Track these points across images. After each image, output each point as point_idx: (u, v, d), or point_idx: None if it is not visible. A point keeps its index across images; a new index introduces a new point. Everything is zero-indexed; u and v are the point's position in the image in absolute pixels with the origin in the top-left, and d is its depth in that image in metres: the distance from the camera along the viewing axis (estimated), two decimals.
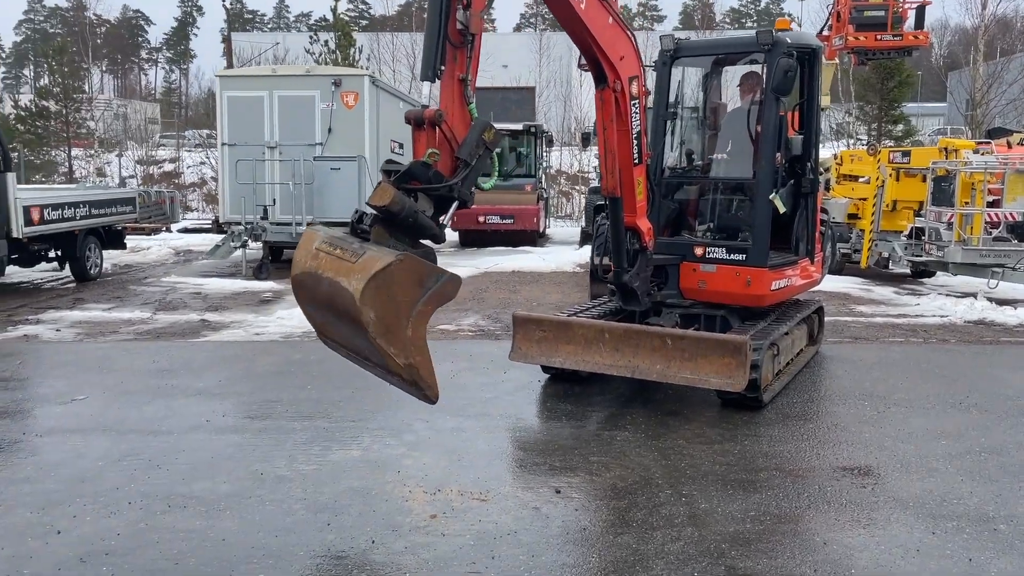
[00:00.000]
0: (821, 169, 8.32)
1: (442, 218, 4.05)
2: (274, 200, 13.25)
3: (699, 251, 6.35)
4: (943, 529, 3.98)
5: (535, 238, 18.44)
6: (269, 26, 79.46)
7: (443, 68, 4.10)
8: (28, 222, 11.10)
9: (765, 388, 5.72)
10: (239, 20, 76.69)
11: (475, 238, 18.05)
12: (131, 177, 31.35)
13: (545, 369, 6.40)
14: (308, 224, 12.29)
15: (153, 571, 3.53)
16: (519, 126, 19.34)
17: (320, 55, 28.23)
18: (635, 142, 5.66)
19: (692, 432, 5.33)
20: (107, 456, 4.89)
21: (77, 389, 6.31)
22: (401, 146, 15.50)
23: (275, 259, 13.78)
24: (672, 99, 6.84)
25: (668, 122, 6.86)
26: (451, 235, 20.15)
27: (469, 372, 6.85)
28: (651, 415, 5.68)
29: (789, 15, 51.58)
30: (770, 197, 6.11)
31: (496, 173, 4.36)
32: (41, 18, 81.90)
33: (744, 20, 75.56)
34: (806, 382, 6.68)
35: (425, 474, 4.61)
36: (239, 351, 7.74)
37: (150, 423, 5.51)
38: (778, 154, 6.19)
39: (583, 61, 5.51)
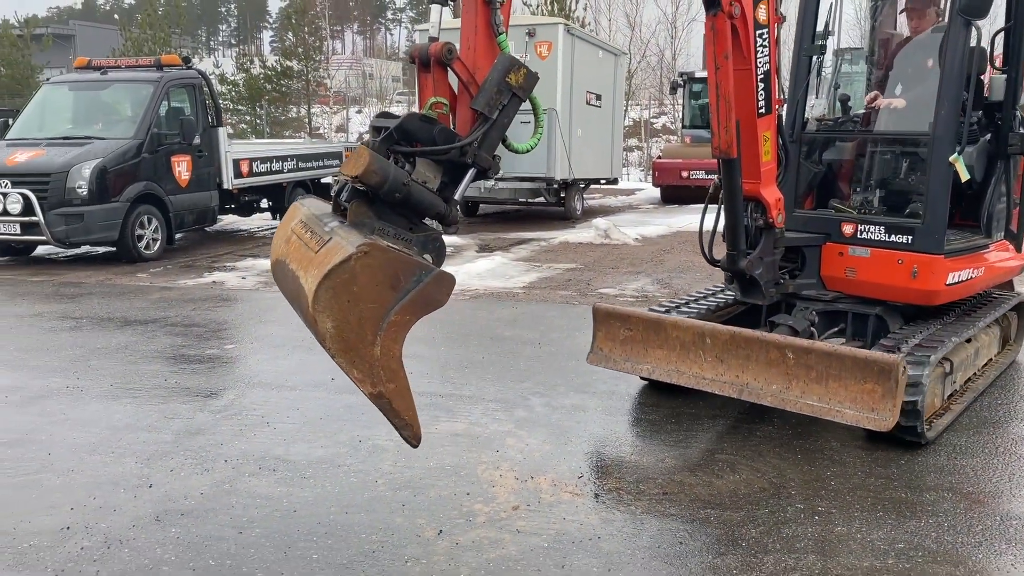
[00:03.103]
0: None
1: (457, 192, 3.01)
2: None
3: (848, 229, 4.97)
4: None
5: None
6: None
7: None
8: (238, 174, 11.85)
9: (930, 420, 4.43)
10: None
11: (678, 195, 17.14)
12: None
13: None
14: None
15: (217, 538, 3.43)
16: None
17: (537, 6, 27.99)
18: (761, 85, 4.42)
19: (850, 432, 4.47)
20: (226, 410, 4.94)
21: (229, 339, 6.52)
22: (599, 98, 14.90)
23: (467, 213, 13.81)
24: (821, 28, 5.34)
25: (815, 59, 5.40)
26: (653, 191, 19.35)
27: None
28: None
29: None
30: (950, 159, 4.61)
31: (539, 128, 3.29)
32: None
33: None
34: (1014, 377, 5.48)
35: (523, 457, 4.20)
36: None
37: (279, 376, 5.54)
38: (966, 100, 4.67)
39: None
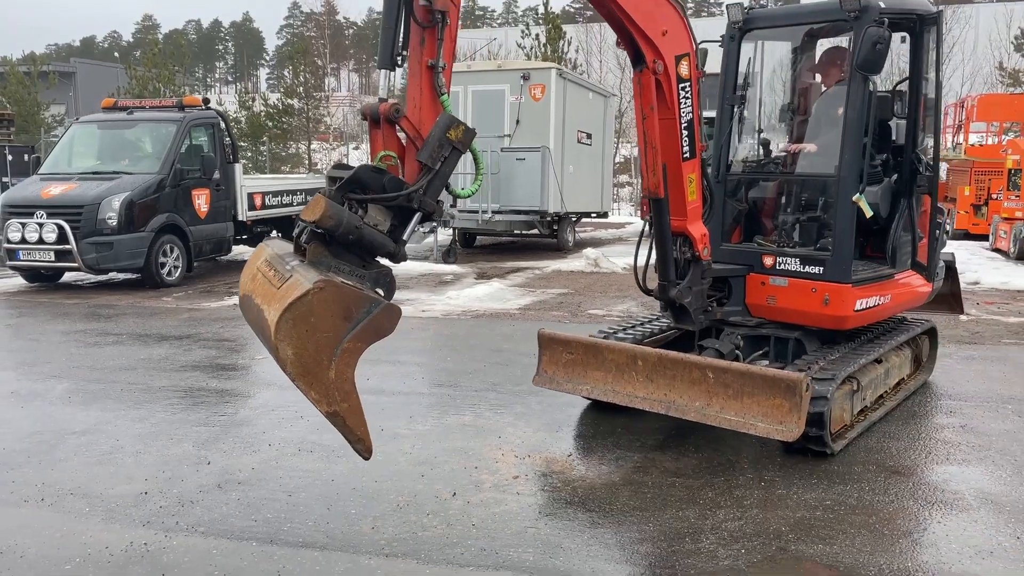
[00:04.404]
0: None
1: (405, 233, 3.36)
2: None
3: (768, 261, 5.35)
4: None
5: None
6: (498, 21, 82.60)
7: (405, 53, 3.45)
8: (251, 207, 12.69)
9: (839, 433, 4.81)
10: (469, 17, 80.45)
11: None
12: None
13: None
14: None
15: (270, 500, 4.18)
16: None
17: (531, 49, 29.14)
18: (685, 133, 4.80)
19: None
20: (264, 406, 5.71)
21: (257, 351, 7.29)
22: (589, 136, 15.85)
23: (465, 245, 14.66)
24: (742, 80, 5.78)
25: (736, 107, 5.78)
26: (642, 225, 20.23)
27: None
28: None
29: None
30: (854, 198, 5.02)
31: (480, 176, 3.69)
32: (298, 23, 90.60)
33: None
34: (950, 376, 6.30)
35: (521, 441, 4.99)
36: (402, 326, 8.40)
37: None
38: (865, 145, 5.11)
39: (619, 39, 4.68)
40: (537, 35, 29.42)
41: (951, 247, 14.99)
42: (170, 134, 11.45)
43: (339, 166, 3.48)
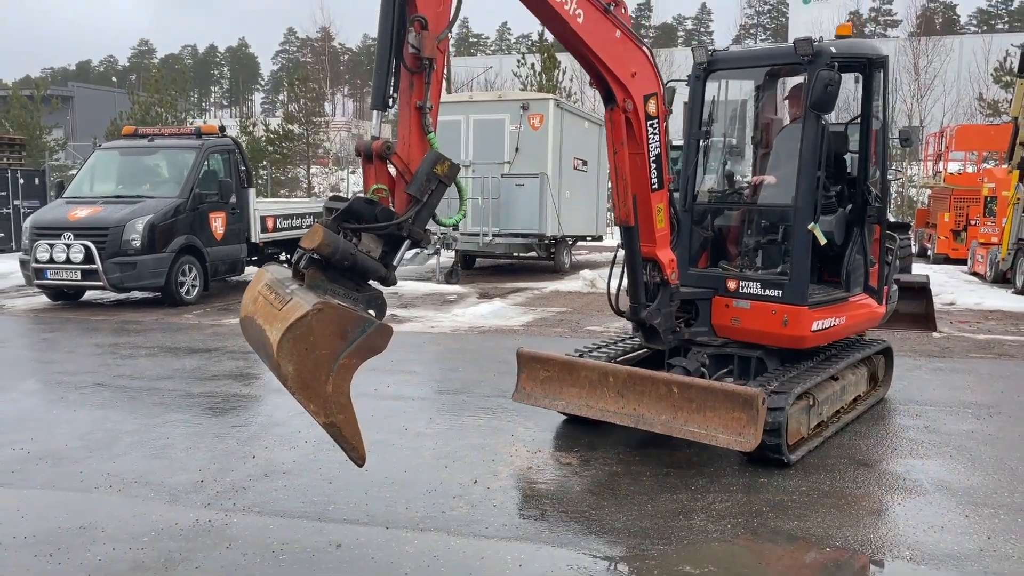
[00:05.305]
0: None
1: (395, 259, 3.71)
2: (464, 213, 14.71)
3: (732, 285, 5.70)
4: (979, 515, 4.36)
5: None
6: (492, 48, 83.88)
7: (395, 95, 3.75)
8: (264, 229, 13.30)
9: (796, 445, 5.14)
10: (464, 44, 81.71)
11: None
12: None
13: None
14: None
15: (312, 486, 4.75)
16: None
17: (527, 78, 30.00)
18: (653, 166, 5.14)
19: None
20: (296, 409, 6.18)
21: None
22: (585, 163, 16.55)
23: (466, 266, 15.28)
24: (707, 116, 6.16)
25: (702, 142, 6.15)
26: None
27: None
28: None
29: None
30: (808, 226, 5.40)
31: (463, 207, 4.10)
32: (294, 48, 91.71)
33: (994, 21, 70.48)
34: (918, 385, 6.92)
35: (532, 439, 5.57)
36: (413, 340, 9.11)
37: None
38: (819, 178, 5.48)
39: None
40: (532, 64, 30.30)
41: (930, 270, 15.75)
42: (190, 160, 12.07)
43: (335, 198, 3.79)
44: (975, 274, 16.37)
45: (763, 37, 72.85)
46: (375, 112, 3.81)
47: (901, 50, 36.08)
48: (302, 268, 3.51)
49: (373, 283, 3.64)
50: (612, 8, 4.71)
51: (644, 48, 5.00)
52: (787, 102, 5.98)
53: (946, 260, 19.12)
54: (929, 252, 20.55)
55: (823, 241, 5.45)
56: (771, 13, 73.96)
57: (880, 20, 71.01)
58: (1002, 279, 14.45)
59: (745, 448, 4.73)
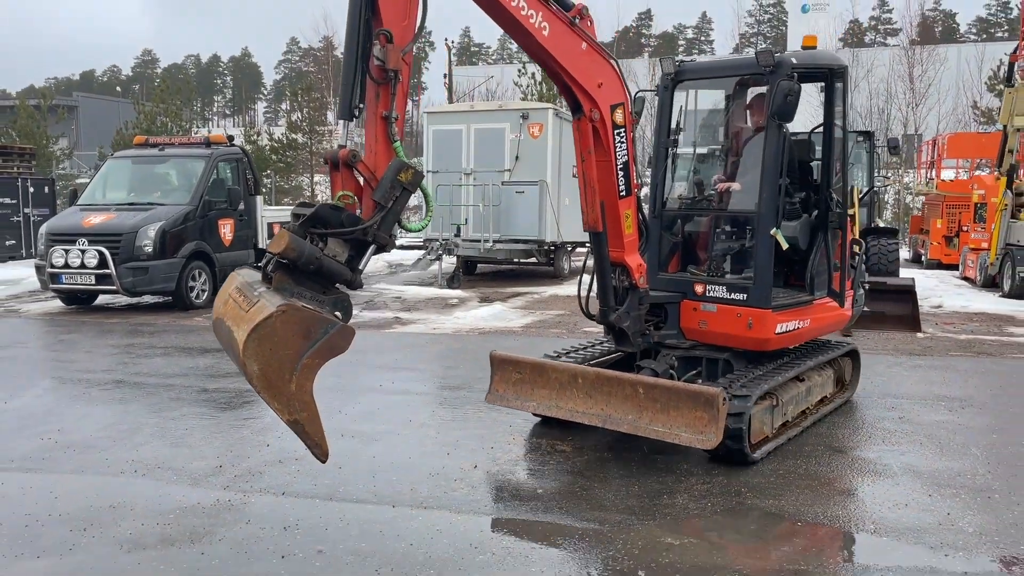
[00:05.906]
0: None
1: (361, 263, 3.81)
2: (466, 220, 15.12)
3: (700, 289, 5.83)
4: (941, 494, 4.71)
5: None
6: (493, 58, 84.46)
7: (362, 106, 3.84)
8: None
9: (759, 444, 5.26)
10: (466, 53, 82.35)
11: None
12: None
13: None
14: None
15: (324, 471, 5.04)
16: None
17: (527, 87, 30.44)
18: (620, 173, 5.25)
19: None
20: None
21: None
22: None
23: (467, 272, 15.64)
24: (675, 125, 6.25)
25: (669, 150, 6.26)
26: None
27: None
28: None
29: None
30: (771, 232, 5.53)
31: (429, 213, 4.17)
32: (296, 58, 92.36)
33: (993, 30, 71.05)
34: (896, 381, 7.28)
35: (529, 429, 5.93)
36: (417, 340, 9.48)
37: (340, 384, 7.24)
38: (782, 184, 5.60)
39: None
40: (533, 73, 30.71)
41: (922, 275, 16.06)
42: (200, 169, 12.46)
43: (303, 204, 3.91)
44: (966, 279, 16.71)
45: (763, 46, 73.55)
46: (342, 122, 3.93)
47: (896, 59, 36.55)
48: (269, 272, 3.63)
49: (341, 286, 3.77)
50: (578, 21, 4.82)
51: (610, 59, 5.12)
52: (755, 111, 6.10)
53: (939, 265, 19.47)
54: (923, 257, 20.92)
55: (785, 246, 5.59)
56: (771, 22, 74.51)
57: (880, 29, 71.65)
58: (991, 283, 14.78)
59: (707, 446, 4.87)
